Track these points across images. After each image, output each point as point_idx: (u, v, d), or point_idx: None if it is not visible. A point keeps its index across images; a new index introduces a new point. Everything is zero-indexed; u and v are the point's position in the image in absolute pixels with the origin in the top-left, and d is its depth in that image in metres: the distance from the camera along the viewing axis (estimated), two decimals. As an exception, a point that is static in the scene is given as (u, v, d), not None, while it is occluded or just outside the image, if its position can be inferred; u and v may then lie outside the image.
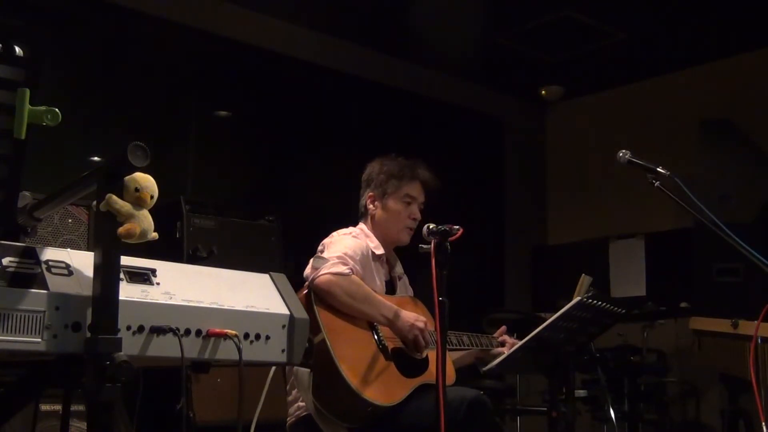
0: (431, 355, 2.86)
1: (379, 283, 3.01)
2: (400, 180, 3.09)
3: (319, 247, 2.92)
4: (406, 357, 2.85)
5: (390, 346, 2.82)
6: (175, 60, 5.19)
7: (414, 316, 2.84)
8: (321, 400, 2.63)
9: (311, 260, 2.80)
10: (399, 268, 3.19)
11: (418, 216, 3.09)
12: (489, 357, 3.14)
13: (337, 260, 2.76)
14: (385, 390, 2.68)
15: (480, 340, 3.15)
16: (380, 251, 3.03)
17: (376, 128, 5.96)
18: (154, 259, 1.76)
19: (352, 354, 2.67)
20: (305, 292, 2.72)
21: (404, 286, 3.19)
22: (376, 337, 2.81)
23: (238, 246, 4.08)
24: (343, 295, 2.71)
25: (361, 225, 3.11)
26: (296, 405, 2.80)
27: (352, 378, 2.60)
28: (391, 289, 3.10)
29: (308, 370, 2.61)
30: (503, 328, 3.27)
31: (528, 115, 7.32)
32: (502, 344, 3.18)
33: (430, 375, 2.82)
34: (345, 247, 2.86)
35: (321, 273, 2.71)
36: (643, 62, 6.35)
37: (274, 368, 2.70)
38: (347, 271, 2.75)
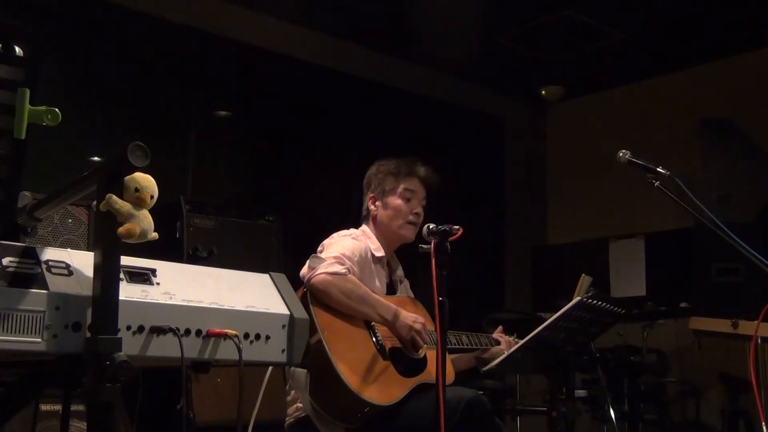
0: (430, 354, 2.86)
1: (379, 285, 3.01)
2: (397, 176, 3.10)
3: (319, 248, 2.93)
4: (404, 356, 2.85)
5: (388, 345, 2.82)
6: (175, 60, 5.19)
7: (413, 317, 2.84)
8: (318, 400, 2.63)
9: (308, 260, 2.80)
10: (400, 272, 3.19)
11: (420, 211, 3.09)
12: (489, 357, 3.15)
13: (333, 260, 2.76)
14: (383, 390, 2.68)
15: (479, 340, 3.15)
16: (380, 253, 3.03)
17: (376, 128, 5.96)
18: (154, 259, 1.76)
19: (350, 354, 2.67)
20: (301, 292, 2.72)
21: (405, 290, 3.19)
22: (373, 336, 2.81)
23: (238, 246, 4.08)
24: (339, 294, 2.70)
25: (363, 227, 3.12)
26: (295, 406, 2.80)
27: (349, 378, 2.59)
28: (391, 291, 3.10)
29: (305, 370, 2.62)
30: (500, 327, 3.27)
31: (528, 115, 7.32)
32: (498, 342, 3.18)
33: (428, 374, 2.82)
34: (343, 248, 2.86)
35: (317, 272, 2.70)
36: (643, 62, 6.35)
37: (270, 369, 2.69)
38: (343, 270, 2.75)
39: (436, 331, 2.44)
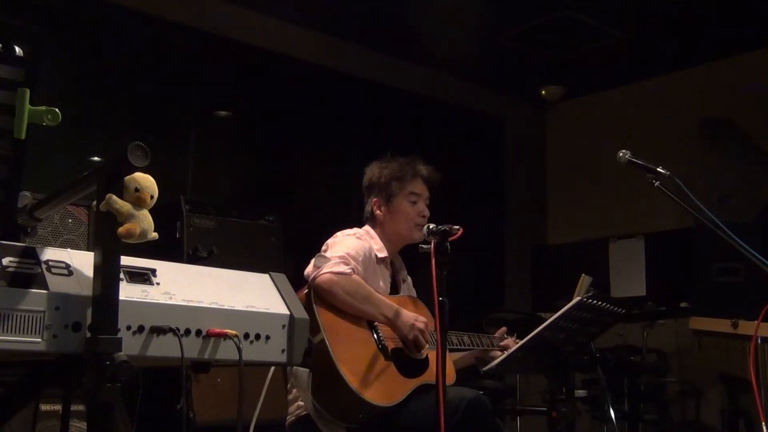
0: (431, 354, 2.86)
1: (383, 284, 3.01)
2: (402, 180, 3.09)
3: (323, 247, 2.93)
4: (405, 357, 2.85)
5: (390, 346, 2.83)
6: (175, 60, 5.19)
7: (414, 316, 2.85)
8: (320, 400, 2.63)
9: (313, 259, 2.80)
10: (403, 271, 3.19)
11: (426, 212, 3.09)
12: (489, 357, 3.15)
13: (338, 260, 2.77)
14: (385, 390, 2.68)
15: (481, 340, 3.15)
16: (383, 254, 3.03)
17: (376, 128, 5.96)
18: (154, 259, 1.76)
19: (352, 354, 2.67)
20: (305, 291, 2.72)
21: (408, 289, 3.19)
22: (375, 337, 2.81)
23: (238, 246, 4.08)
24: (343, 294, 2.71)
25: (367, 227, 3.11)
26: (296, 404, 2.80)
27: (351, 378, 2.60)
28: (394, 291, 3.10)
29: (307, 369, 2.62)
30: (503, 329, 3.27)
31: (528, 115, 7.32)
32: (503, 350, 3.17)
33: (429, 375, 2.82)
34: (347, 247, 2.86)
35: (322, 272, 2.71)
36: (643, 62, 6.35)
37: (273, 369, 2.70)
38: (348, 270, 2.75)
39: (436, 331, 2.45)
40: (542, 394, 5.42)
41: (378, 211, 3.10)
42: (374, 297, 2.81)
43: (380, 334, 2.83)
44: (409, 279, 3.22)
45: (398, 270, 3.17)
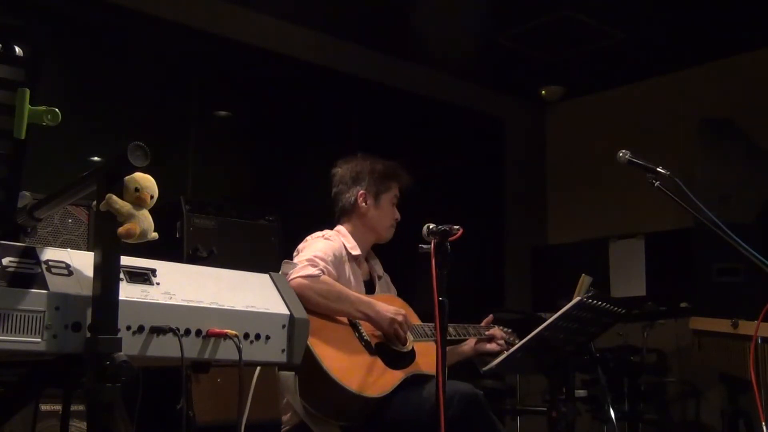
0: (416, 346, 2.88)
1: (355, 283, 2.99)
2: (391, 180, 3.13)
3: (294, 253, 2.93)
4: (390, 351, 2.84)
5: (373, 341, 2.82)
6: (175, 60, 5.19)
7: (393, 309, 2.84)
8: (309, 400, 2.63)
9: (281, 266, 2.79)
10: (379, 268, 3.19)
11: (399, 217, 3.14)
12: (488, 357, 3.14)
13: (306, 263, 2.76)
14: (373, 382, 2.68)
15: (467, 330, 3.15)
16: (357, 252, 3.03)
17: (376, 128, 5.95)
18: (154, 259, 1.76)
19: (336, 352, 2.67)
20: None
21: (386, 285, 3.19)
22: (357, 333, 2.81)
23: (238, 246, 4.08)
24: (315, 296, 2.70)
25: (339, 227, 3.11)
26: (289, 413, 2.79)
27: (337, 374, 2.59)
28: (370, 288, 3.10)
29: (293, 373, 2.62)
30: (489, 317, 3.26)
31: (528, 115, 7.32)
32: (490, 339, 3.16)
33: (417, 366, 2.83)
34: (316, 250, 2.86)
35: (290, 278, 2.69)
36: (643, 62, 6.35)
37: (258, 369, 2.69)
38: (317, 272, 2.74)
39: (435, 330, 2.44)
40: (542, 394, 5.42)
41: (363, 203, 3.10)
42: (348, 295, 2.80)
43: (362, 331, 2.82)
44: (386, 276, 3.21)
45: (373, 267, 3.17)
